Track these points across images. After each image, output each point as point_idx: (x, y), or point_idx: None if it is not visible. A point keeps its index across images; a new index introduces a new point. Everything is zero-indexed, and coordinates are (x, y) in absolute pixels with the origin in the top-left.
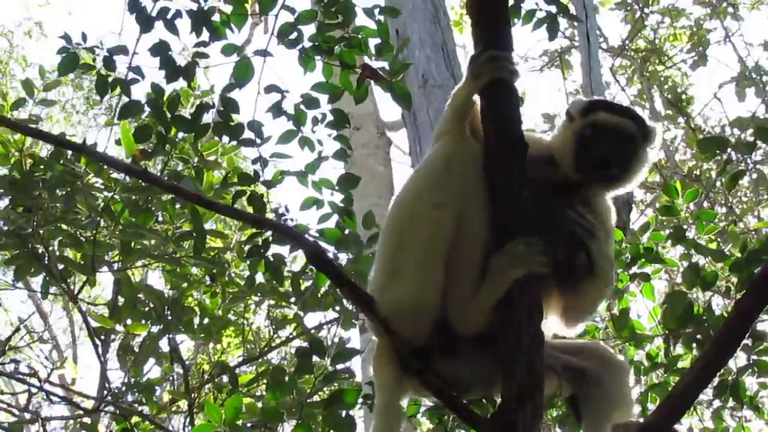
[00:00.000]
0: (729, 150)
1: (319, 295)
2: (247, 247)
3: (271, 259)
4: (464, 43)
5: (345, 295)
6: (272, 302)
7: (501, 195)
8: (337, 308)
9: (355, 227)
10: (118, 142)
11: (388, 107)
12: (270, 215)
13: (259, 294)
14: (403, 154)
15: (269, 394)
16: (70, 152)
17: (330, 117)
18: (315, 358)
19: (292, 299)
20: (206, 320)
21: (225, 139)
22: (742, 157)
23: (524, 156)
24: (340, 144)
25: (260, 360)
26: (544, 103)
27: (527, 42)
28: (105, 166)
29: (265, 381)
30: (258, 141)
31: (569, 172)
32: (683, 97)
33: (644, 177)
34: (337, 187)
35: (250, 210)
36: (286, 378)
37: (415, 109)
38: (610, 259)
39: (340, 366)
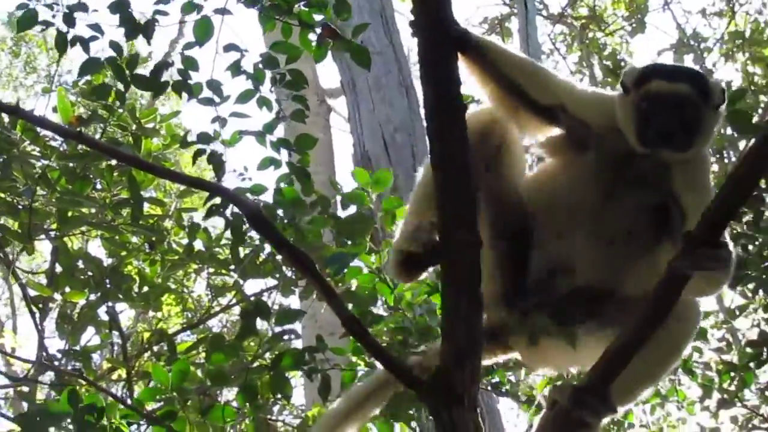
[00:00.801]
0: None
1: (258, 262)
2: (207, 206)
3: (231, 218)
4: (403, 9)
5: (284, 257)
6: (211, 270)
7: (440, 159)
8: (277, 275)
9: (311, 188)
10: (54, 110)
11: (327, 74)
12: (230, 174)
13: (198, 261)
14: (344, 121)
15: (213, 358)
16: (6, 119)
17: (288, 77)
18: (259, 322)
19: (232, 266)
20: (146, 288)
21: (165, 108)
22: None
23: (463, 119)
24: (299, 104)
25: (200, 327)
26: None
27: (467, 9)
28: (41, 133)
29: (204, 348)
30: (217, 100)
31: (636, 147)
32: (622, 64)
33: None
34: (294, 148)
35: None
36: (226, 344)
37: (354, 76)
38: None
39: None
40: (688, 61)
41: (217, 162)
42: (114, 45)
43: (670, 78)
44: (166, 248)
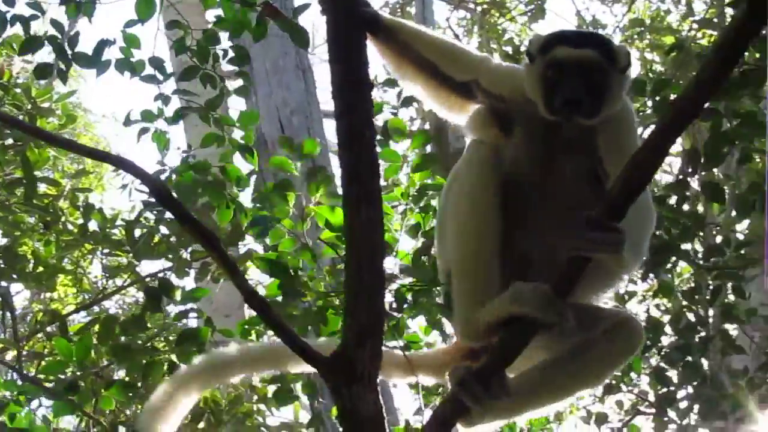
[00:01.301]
0: None
1: (153, 244)
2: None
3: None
4: None
5: (188, 232)
6: (106, 250)
7: (346, 136)
8: (171, 256)
9: (257, 164)
10: None
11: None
12: (174, 152)
13: (92, 242)
14: (242, 104)
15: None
16: None
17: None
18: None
19: (126, 247)
20: (40, 268)
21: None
22: None
23: (369, 97)
24: (242, 80)
25: (96, 308)
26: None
27: None
28: None
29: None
30: (160, 78)
31: (545, 115)
32: (522, 50)
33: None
34: (238, 124)
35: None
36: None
37: (252, 58)
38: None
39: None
40: None
41: (162, 140)
42: (54, 23)
43: (575, 44)
44: (60, 228)
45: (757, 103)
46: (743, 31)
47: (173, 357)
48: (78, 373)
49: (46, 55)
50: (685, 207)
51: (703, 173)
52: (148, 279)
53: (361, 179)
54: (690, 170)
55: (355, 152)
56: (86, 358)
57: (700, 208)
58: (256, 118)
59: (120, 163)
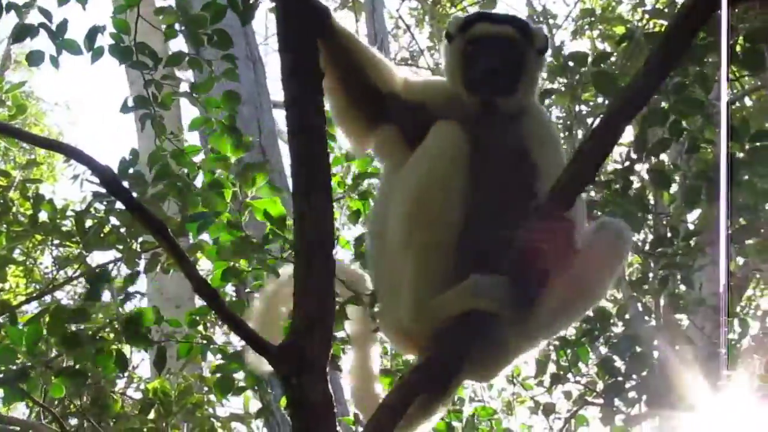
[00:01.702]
0: None
1: (103, 234)
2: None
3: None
4: None
5: (138, 221)
6: (56, 241)
7: (295, 125)
8: (121, 247)
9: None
10: None
11: (176, 47)
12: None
13: (42, 233)
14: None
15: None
16: None
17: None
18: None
19: (76, 238)
20: None
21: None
22: None
23: (320, 88)
24: (229, 63)
25: (46, 299)
26: None
27: None
28: None
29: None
30: (150, 63)
31: (464, 96)
32: None
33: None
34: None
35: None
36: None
37: (201, 48)
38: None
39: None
40: None
41: (158, 125)
42: (43, 11)
43: (494, 21)
44: (11, 219)
45: (705, 90)
46: (690, 18)
47: (121, 346)
48: (28, 363)
49: (28, 42)
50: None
51: (651, 160)
52: (98, 269)
53: (310, 168)
54: (636, 157)
55: (304, 141)
56: (36, 347)
57: (652, 199)
58: (239, 99)
59: (72, 153)
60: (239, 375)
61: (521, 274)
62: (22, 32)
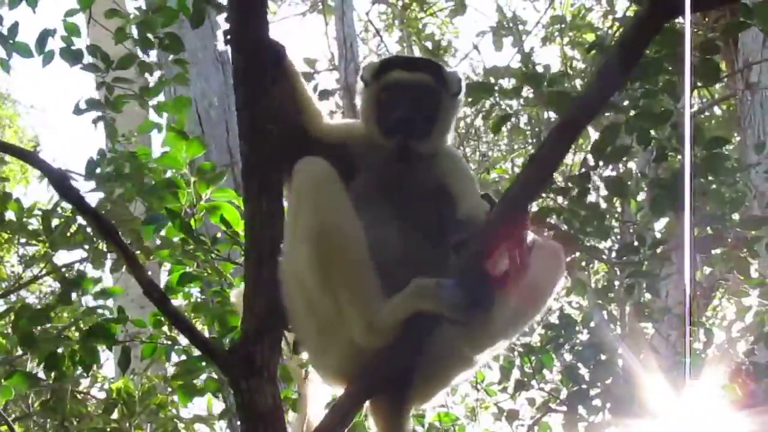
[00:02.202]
0: (495, 95)
1: (69, 234)
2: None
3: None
4: None
5: (88, 223)
6: (23, 240)
7: (246, 129)
8: (87, 247)
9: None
10: None
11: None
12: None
13: (9, 231)
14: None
15: (21, 323)
16: None
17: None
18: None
19: (43, 237)
20: None
21: None
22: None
23: (270, 89)
24: (179, 68)
25: (12, 298)
26: (308, 48)
27: None
28: None
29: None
30: (101, 66)
31: (378, 140)
32: (441, 45)
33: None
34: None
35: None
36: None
37: None
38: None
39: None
40: (507, 44)
41: (110, 128)
42: None
43: (408, 67)
44: None
45: (674, 99)
46: (645, 26)
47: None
48: None
49: None
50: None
51: (609, 167)
52: (64, 269)
53: (261, 172)
54: (593, 164)
55: (255, 145)
56: None
57: (619, 207)
58: (189, 103)
59: (22, 156)
60: (203, 376)
61: (469, 278)
62: None
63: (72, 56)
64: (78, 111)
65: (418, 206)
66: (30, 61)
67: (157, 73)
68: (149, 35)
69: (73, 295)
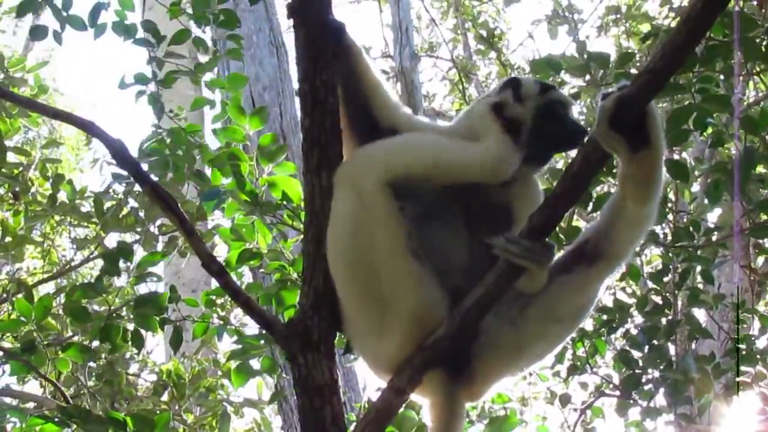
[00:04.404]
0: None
1: (121, 216)
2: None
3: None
4: None
5: (147, 194)
6: (74, 222)
7: (309, 102)
8: (138, 229)
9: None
10: None
11: (198, 31)
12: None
13: (61, 213)
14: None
15: (76, 295)
16: None
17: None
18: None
19: (95, 219)
20: (8, 239)
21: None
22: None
23: (332, 63)
24: (234, 44)
25: (62, 280)
26: (361, 36)
27: None
28: None
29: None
30: (153, 41)
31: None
32: (495, 33)
33: None
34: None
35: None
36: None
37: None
38: None
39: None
40: (562, 33)
41: (156, 103)
42: None
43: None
44: (30, 199)
45: (731, 85)
46: (710, 2)
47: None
48: (36, 336)
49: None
50: None
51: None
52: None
53: (321, 145)
54: None
55: (316, 118)
56: (45, 319)
57: (673, 197)
58: (244, 81)
59: (82, 125)
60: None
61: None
62: (25, 6)
63: (125, 30)
64: (123, 85)
65: (487, 222)
66: (83, 58)
67: (210, 50)
68: (205, 11)
69: (124, 280)
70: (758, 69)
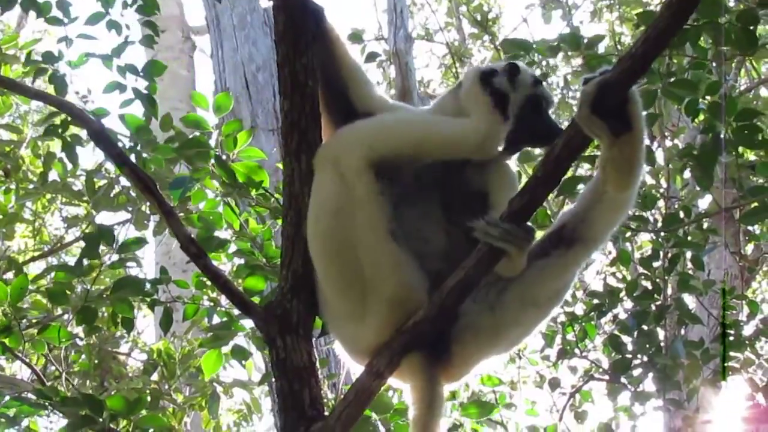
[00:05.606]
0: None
1: (113, 195)
2: (43, 127)
3: (69, 139)
4: None
5: (126, 176)
6: (65, 200)
7: (288, 85)
8: (130, 208)
9: (157, 115)
10: None
11: (193, 12)
12: (72, 96)
13: (52, 191)
14: (208, 59)
15: (56, 275)
16: None
17: (140, 2)
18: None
19: (86, 198)
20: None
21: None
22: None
23: (311, 46)
24: (149, 30)
25: (51, 258)
26: (355, 20)
27: None
28: None
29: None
30: (65, 20)
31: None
32: (489, 17)
33: None
34: (141, 74)
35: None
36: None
37: (218, 13)
38: None
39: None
40: (556, 18)
41: (59, 82)
42: None
43: None
44: (21, 176)
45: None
46: None
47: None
48: (11, 317)
49: None
50: None
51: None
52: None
53: (301, 129)
54: None
55: (296, 102)
56: (20, 301)
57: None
58: (163, 69)
59: (61, 106)
60: (241, 341)
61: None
62: None
63: (33, 7)
64: (28, 62)
65: (462, 207)
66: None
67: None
68: None
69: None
70: (728, 55)
